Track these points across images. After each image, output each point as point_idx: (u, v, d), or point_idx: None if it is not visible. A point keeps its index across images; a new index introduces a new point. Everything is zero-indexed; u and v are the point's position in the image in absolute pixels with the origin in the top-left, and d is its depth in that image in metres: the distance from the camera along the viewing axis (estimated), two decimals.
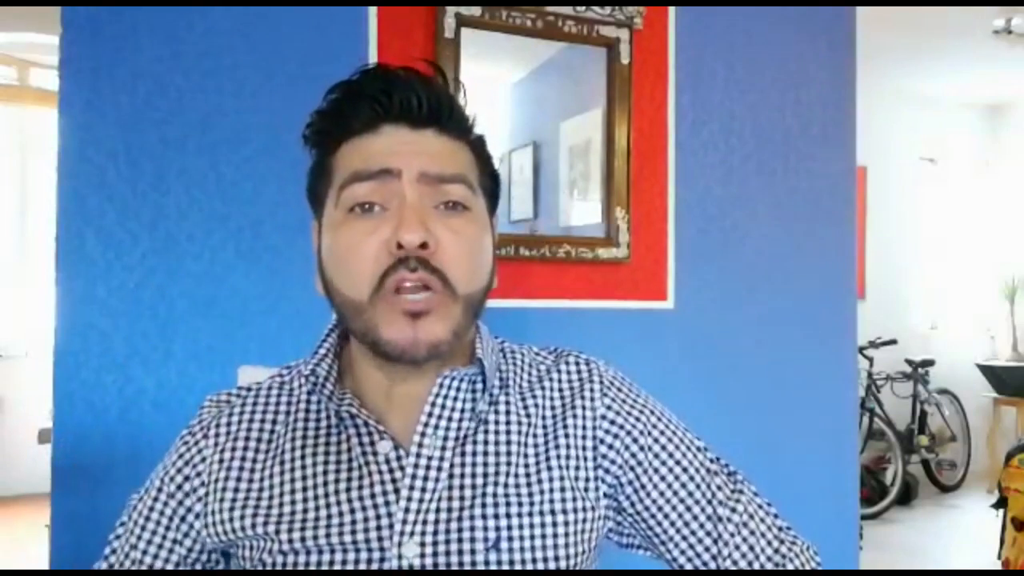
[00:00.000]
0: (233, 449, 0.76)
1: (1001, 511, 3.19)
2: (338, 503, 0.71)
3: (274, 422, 0.77)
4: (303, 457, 0.74)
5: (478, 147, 0.78)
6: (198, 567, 0.77)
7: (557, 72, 1.89)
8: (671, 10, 1.93)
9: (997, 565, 3.38)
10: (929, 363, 5.05)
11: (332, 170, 0.74)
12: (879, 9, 3.60)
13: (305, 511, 0.71)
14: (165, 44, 1.52)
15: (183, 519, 0.76)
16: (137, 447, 1.46)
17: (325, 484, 0.72)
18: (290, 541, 0.70)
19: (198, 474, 0.76)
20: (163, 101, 1.51)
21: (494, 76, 1.88)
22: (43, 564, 1.49)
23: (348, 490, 0.72)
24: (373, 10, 1.65)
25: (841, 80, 2.16)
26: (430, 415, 0.73)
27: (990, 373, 5.19)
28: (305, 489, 0.73)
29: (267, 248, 1.57)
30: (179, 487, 0.76)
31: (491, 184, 0.80)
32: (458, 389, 0.75)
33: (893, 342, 4.76)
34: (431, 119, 0.73)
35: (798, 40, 2.11)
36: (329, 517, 0.71)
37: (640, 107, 1.89)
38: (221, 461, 0.75)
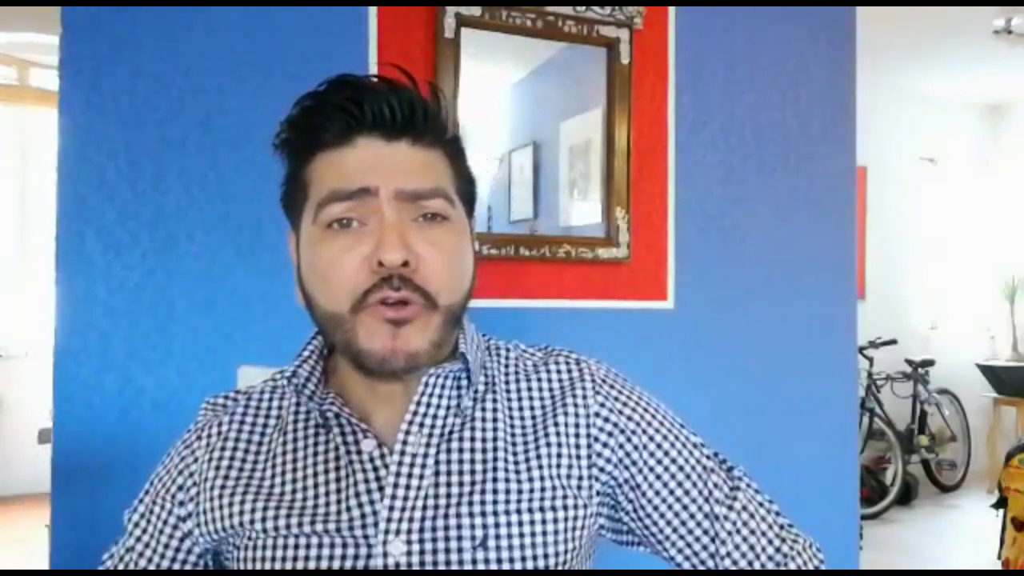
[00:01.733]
0: (223, 449, 0.77)
1: (1001, 511, 3.19)
2: (326, 501, 0.72)
3: (265, 424, 0.79)
4: (294, 459, 0.75)
5: (454, 151, 0.77)
6: (188, 567, 0.78)
7: (557, 72, 1.89)
8: (671, 10, 1.93)
9: (997, 565, 3.38)
10: (929, 363, 5.05)
11: (308, 184, 0.74)
12: (879, 9, 3.60)
13: (292, 503, 0.73)
14: (165, 43, 1.51)
15: (175, 527, 0.77)
16: (137, 447, 1.46)
17: (316, 485, 0.73)
18: (276, 528, 0.71)
19: (191, 474, 0.77)
20: (163, 101, 1.51)
21: (494, 76, 1.87)
22: (43, 564, 1.49)
23: (338, 491, 0.72)
24: (373, 10, 1.65)
25: (841, 80, 2.16)
26: (415, 413, 0.74)
27: (990, 373, 5.19)
28: (295, 481, 0.74)
29: (267, 248, 1.57)
30: (172, 495, 0.77)
31: (468, 188, 0.79)
32: (443, 387, 0.75)
33: (893, 342, 4.75)
34: (405, 128, 0.72)
35: (798, 39, 2.11)
36: (315, 507, 0.72)
37: (640, 107, 1.89)
38: (210, 460, 0.77)
